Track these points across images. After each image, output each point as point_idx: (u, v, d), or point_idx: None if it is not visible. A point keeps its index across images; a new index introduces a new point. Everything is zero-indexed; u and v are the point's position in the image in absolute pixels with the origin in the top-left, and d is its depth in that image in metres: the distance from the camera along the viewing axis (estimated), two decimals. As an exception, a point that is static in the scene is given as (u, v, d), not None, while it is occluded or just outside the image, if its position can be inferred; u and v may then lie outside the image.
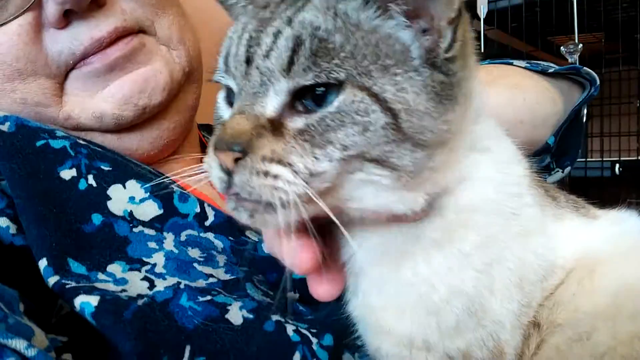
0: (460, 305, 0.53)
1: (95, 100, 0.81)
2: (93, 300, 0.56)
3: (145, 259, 0.65)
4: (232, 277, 0.67)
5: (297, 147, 0.47)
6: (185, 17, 0.95)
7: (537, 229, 0.57)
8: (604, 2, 2.21)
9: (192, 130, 1.02)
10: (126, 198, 0.70)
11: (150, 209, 0.70)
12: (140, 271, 0.63)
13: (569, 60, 2.51)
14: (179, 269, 0.65)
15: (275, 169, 0.46)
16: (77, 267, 0.61)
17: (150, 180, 0.73)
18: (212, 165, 0.50)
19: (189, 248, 0.68)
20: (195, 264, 0.66)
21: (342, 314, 0.67)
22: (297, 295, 0.72)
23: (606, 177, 2.87)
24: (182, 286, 0.62)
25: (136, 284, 0.62)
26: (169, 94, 0.86)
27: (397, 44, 0.49)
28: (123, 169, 0.73)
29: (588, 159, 2.99)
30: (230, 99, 0.55)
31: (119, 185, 0.71)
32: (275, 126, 0.48)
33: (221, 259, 0.69)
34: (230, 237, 0.73)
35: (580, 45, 2.49)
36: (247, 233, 0.75)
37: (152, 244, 0.67)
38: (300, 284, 0.72)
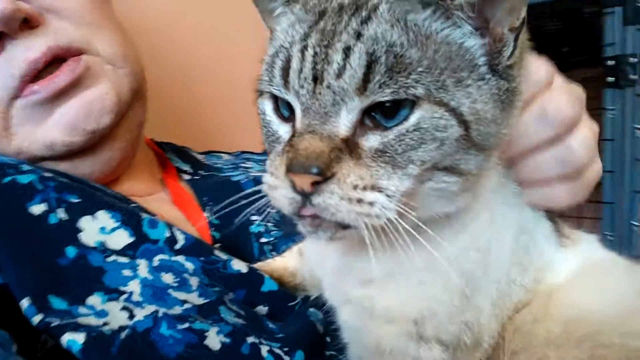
0: (459, 284, 0.55)
1: (44, 129, 0.81)
2: (79, 337, 0.57)
3: (122, 288, 0.66)
4: (206, 301, 0.69)
5: (381, 170, 0.47)
6: (123, 31, 0.95)
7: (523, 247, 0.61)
8: (532, 13, 2.33)
9: (142, 145, 1.03)
10: (97, 229, 0.70)
11: (121, 238, 0.71)
12: (118, 301, 0.64)
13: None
14: (155, 296, 0.66)
15: (369, 196, 0.46)
16: (58, 303, 0.61)
17: (119, 207, 0.74)
18: (278, 186, 0.49)
19: (163, 273, 0.70)
20: (170, 290, 0.68)
21: (311, 327, 0.71)
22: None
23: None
24: (160, 314, 0.63)
25: (116, 315, 0.62)
26: (117, 115, 0.86)
27: (467, 54, 0.49)
28: (92, 199, 0.73)
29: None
30: (280, 112, 0.54)
31: (89, 217, 0.71)
32: (351, 146, 0.47)
33: (194, 282, 0.71)
34: (201, 258, 0.75)
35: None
36: (217, 252, 0.77)
37: (127, 272, 0.68)
38: (268, 298, 0.76)
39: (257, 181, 1.05)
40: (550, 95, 0.59)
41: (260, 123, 0.58)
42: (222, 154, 1.27)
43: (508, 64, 0.51)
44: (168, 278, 0.69)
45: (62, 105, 0.82)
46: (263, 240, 0.93)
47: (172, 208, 0.97)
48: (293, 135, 0.51)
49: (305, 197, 0.47)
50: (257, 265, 0.84)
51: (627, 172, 2.04)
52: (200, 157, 1.20)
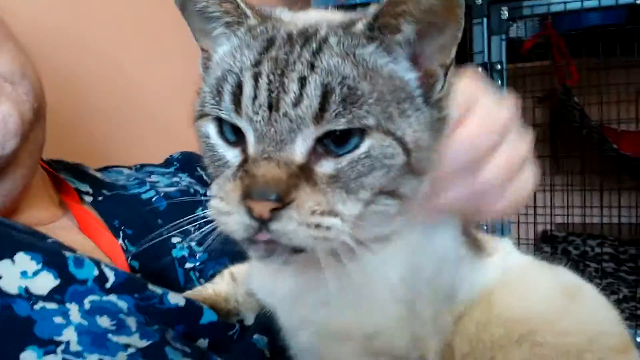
0: (403, 298, 0.59)
1: None
2: None
3: (56, 338, 0.59)
4: (149, 343, 0.64)
5: (337, 196, 0.49)
6: (23, 50, 0.86)
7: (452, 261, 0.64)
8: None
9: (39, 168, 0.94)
10: (18, 274, 0.62)
11: (46, 281, 0.63)
12: (56, 353, 0.57)
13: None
14: (95, 344, 0.60)
15: (327, 221, 0.48)
16: None
17: (38, 246, 0.66)
18: (231, 211, 0.48)
19: (97, 316, 0.63)
20: (109, 335, 0.62)
21: (260, 355, 0.70)
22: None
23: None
24: None
25: None
26: (21, 138, 0.77)
27: (407, 87, 0.52)
28: (7, 240, 0.65)
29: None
30: (224, 136, 0.53)
31: (7, 261, 0.63)
32: (306, 173, 0.48)
33: (131, 322, 0.65)
34: (134, 295, 0.69)
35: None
36: (150, 287, 0.72)
37: (59, 319, 0.61)
38: (209, 330, 0.73)
39: (169, 196, 1.01)
40: (464, 125, 0.59)
41: (202, 146, 0.57)
42: (123, 169, 1.17)
43: (439, 96, 0.55)
44: (104, 321, 0.64)
45: None
46: (188, 265, 0.89)
47: (80, 236, 0.89)
48: (245, 161, 0.51)
49: (263, 223, 0.48)
50: (187, 294, 0.80)
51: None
52: (98, 174, 1.09)
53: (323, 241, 0.49)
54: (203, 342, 0.72)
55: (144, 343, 0.64)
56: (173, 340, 0.67)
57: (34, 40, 0.90)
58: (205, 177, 1.18)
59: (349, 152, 0.49)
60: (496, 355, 0.61)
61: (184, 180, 1.15)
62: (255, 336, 0.73)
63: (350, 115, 0.48)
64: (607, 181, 2.48)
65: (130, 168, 1.20)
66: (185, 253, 0.90)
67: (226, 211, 0.49)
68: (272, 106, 0.49)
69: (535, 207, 2.48)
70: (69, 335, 0.60)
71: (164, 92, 1.64)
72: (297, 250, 0.50)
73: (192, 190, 1.10)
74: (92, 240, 0.89)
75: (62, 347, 0.59)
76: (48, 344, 0.58)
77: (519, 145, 0.64)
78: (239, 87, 0.50)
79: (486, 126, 0.59)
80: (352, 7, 2.23)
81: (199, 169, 1.19)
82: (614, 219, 2.39)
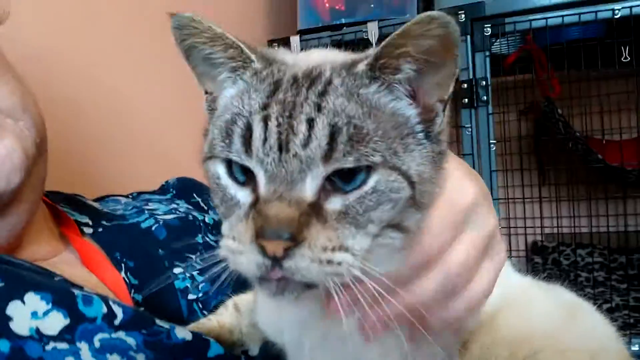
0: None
1: None
2: None
3: None
4: None
5: (346, 231, 0.50)
6: (22, 82, 0.87)
7: None
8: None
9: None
10: (28, 314, 0.62)
11: (56, 321, 0.64)
12: None
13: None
14: None
15: (338, 256, 0.49)
16: None
17: (47, 285, 0.67)
18: (244, 251, 0.49)
19: (107, 355, 0.64)
20: None
21: None
22: None
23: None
24: None
25: None
26: (25, 173, 0.78)
27: (409, 122, 0.54)
28: (16, 280, 0.65)
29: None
30: (234, 176, 0.55)
31: (18, 302, 0.63)
32: (316, 210, 0.50)
33: (141, 359, 0.66)
34: (142, 331, 0.70)
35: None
36: (158, 322, 0.73)
37: (70, 359, 0.62)
38: None
39: (168, 225, 1.02)
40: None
41: (212, 187, 0.58)
42: (119, 198, 1.18)
43: (438, 130, 0.57)
44: (115, 359, 0.64)
45: None
46: (191, 297, 0.89)
47: (83, 271, 0.89)
48: (256, 201, 0.52)
49: (275, 261, 0.49)
50: (192, 327, 0.80)
51: (485, 183, 2.26)
52: (96, 204, 1.10)
53: (335, 276, 0.50)
54: None
55: None
56: None
57: (29, 68, 0.90)
58: (202, 204, 1.19)
59: (357, 188, 0.51)
60: None
61: (182, 206, 1.15)
62: None
63: (357, 153, 0.50)
64: (594, 191, 2.53)
65: (126, 197, 1.20)
66: (188, 284, 0.90)
67: (239, 250, 0.50)
68: (282, 147, 0.50)
69: (524, 218, 2.51)
70: None
71: (160, 119, 1.64)
72: (308, 286, 0.51)
73: (190, 217, 1.10)
74: (95, 274, 0.89)
75: None
76: None
77: (485, 224, 0.61)
78: (248, 130, 0.52)
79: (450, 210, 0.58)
80: (338, 27, 2.26)
81: (195, 195, 1.20)
82: (602, 228, 2.43)
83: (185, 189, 1.21)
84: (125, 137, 1.55)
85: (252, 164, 0.52)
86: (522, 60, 2.39)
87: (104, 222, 0.99)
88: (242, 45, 0.57)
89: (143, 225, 1.01)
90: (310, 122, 0.50)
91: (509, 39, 2.39)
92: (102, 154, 1.48)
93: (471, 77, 2.16)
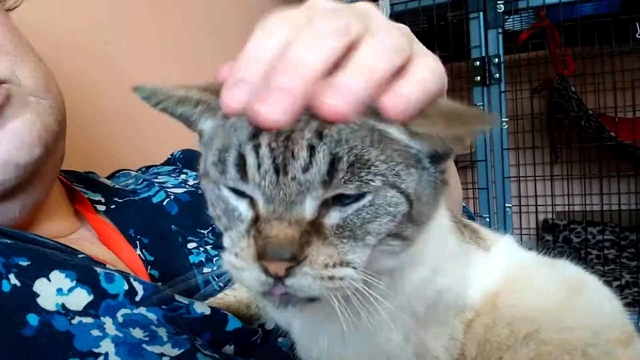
0: (411, 349, 0.62)
1: None
2: None
3: (95, 350, 0.62)
4: (181, 351, 0.68)
5: (346, 246, 0.51)
6: (44, 62, 0.89)
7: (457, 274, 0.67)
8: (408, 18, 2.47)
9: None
10: (54, 291, 0.65)
11: (80, 298, 0.67)
12: None
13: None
14: (132, 354, 0.64)
15: (339, 272, 0.50)
16: None
17: (71, 264, 0.70)
18: (246, 269, 0.50)
19: (130, 329, 0.67)
20: (144, 345, 0.66)
21: (287, 358, 0.73)
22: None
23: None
24: None
25: None
26: (46, 146, 0.80)
27: (412, 150, 0.54)
28: (42, 259, 0.68)
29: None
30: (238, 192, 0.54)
31: (44, 279, 0.66)
32: (316, 227, 0.50)
33: (162, 333, 0.69)
34: (162, 306, 0.73)
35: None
36: (177, 298, 0.76)
37: (96, 332, 0.64)
38: (234, 337, 0.76)
39: (179, 200, 1.04)
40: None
41: (212, 199, 0.57)
42: (130, 171, 1.20)
43: (444, 168, 0.57)
44: (138, 333, 0.67)
45: None
46: (206, 270, 0.92)
47: (102, 248, 0.92)
48: (257, 218, 0.52)
49: (278, 279, 0.50)
50: (210, 301, 0.83)
51: (497, 161, 2.28)
52: (108, 182, 1.11)
53: (337, 290, 0.51)
54: (229, 349, 0.75)
55: (176, 352, 0.67)
56: (202, 347, 0.71)
57: (39, 48, 0.92)
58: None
59: (355, 201, 0.51)
60: (503, 356, 0.64)
61: (191, 176, 1.17)
62: (280, 339, 0.76)
63: (358, 181, 0.50)
64: (606, 168, 2.52)
65: (136, 171, 1.22)
66: (203, 258, 0.93)
67: (242, 268, 0.51)
68: (279, 171, 0.50)
69: (536, 196, 2.52)
70: (107, 347, 0.64)
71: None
72: (311, 299, 0.52)
73: (199, 191, 1.12)
74: (112, 251, 0.92)
75: (101, 358, 0.62)
76: (88, 356, 0.62)
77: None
78: (242, 159, 0.51)
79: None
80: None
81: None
82: (614, 205, 2.42)
83: (191, 161, 1.23)
84: (140, 115, 1.57)
85: (248, 189, 0.52)
86: (535, 37, 2.37)
87: (116, 199, 1.02)
88: (209, 100, 0.56)
89: (154, 200, 1.03)
90: (312, 149, 0.50)
91: (522, 15, 2.37)
92: (115, 132, 1.50)
93: (484, 54, 2.16)
